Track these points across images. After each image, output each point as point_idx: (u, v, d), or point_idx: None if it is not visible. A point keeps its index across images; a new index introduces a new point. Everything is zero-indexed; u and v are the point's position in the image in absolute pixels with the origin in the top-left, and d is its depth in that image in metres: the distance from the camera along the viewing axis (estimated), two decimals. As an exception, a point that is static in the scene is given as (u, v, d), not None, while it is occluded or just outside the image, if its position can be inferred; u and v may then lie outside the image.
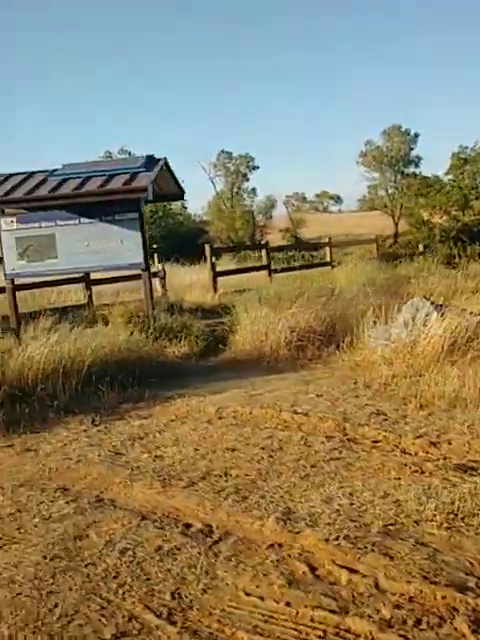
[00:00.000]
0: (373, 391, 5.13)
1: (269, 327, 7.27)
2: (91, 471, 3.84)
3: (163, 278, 12.14)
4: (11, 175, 8.15)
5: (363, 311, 7.61)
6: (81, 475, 3.80)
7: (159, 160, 7.86)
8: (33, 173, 8.14)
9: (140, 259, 7.98)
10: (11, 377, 5.62)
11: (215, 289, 12.77)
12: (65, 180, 7.69)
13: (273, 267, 13.67)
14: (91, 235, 8.00)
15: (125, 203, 7.79)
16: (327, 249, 14.71)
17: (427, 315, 6.21)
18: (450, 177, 23.60)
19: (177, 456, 4.00)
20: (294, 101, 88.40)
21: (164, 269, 12.28)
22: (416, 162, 41.94)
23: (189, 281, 14.65)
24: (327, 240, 14.85)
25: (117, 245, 7.97)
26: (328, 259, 14.49)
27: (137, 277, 12.03)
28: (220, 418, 4.75)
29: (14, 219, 8.11)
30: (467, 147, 28.05)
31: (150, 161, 7.83)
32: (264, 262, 13.68)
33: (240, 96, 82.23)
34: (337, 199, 76.13)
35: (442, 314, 6.16)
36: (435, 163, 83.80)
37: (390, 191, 42.40)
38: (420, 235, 23.40)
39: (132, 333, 6.94)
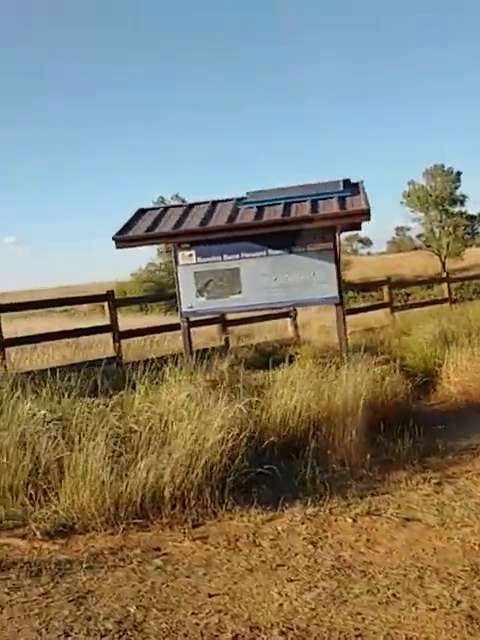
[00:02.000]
0: None
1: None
2: None
3: (294, 318, 11.35)
4: (192, 205, 7.49)
5: None
6: None
7: (357, 183, 7.17)
8: (215, 202, 7.47)
9: (335, 293, 7.18)
10: (276, 428, 4.79)
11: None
12: (261, 208, 7.00)
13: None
14: (279, 267, 7.25)
15: (318, 232, 7.08)
16: (444, 285, 13.92)
17: None
18: None
19: None
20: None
21: (295, 309, 11.48)
22: (461, 201, 41.60)
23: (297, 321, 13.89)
24: (445, 276, 14.08)
25: (309, 278, 7.21)
26: (446, 295, 13.68)
27: (269, 317, 11.40)
28: None
29: (192, 253, 7.40)
30: None
31: (348, 184, 7.14)
32: (385, 299, 12.87)
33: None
34: (366, 242, 76.21)
35: None
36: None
37: (436, 231, 41.99)
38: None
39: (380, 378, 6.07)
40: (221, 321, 10.46)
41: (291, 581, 2.85)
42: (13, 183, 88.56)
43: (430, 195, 40.77)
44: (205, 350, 9.87)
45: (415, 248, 55.67)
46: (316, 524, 3.44)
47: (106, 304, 9.39)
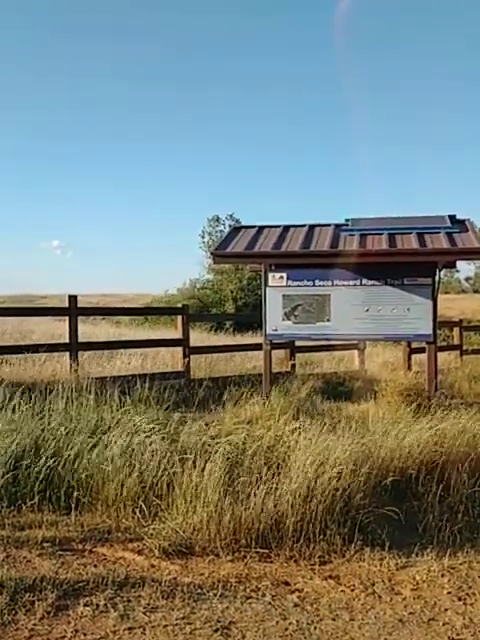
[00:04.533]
0: None
1: None
2: None
3: (362, 351, 11.11)
4: (287, 227, 7.39)
5: None
6: None
7: (464, 220, 6.98)
8: (312, 226, 7.35)
9: (429, 331, 6.96)
10: (386, 466, 4.56)
11: (409, 367, 11.63)
12: (364, 236, 6.86)
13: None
14: (372, 299, 7.07)
15: (418, 266, 6.89)
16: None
17: None
18: None
19: None
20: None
21: (365, 342, 11.24)
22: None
23: (353, 355, 13.61)
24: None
25: (403, 313, 7.00)
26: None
27: (338, 348, 11.16)
28: None
29: (284, 275, 7.29)
30: None
31: (455, 220, 6.95)
32: (456, 341, 12.54)
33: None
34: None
35: None
36: None
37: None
38: None
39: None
40: (290, 346, 10.28)
41: (453, 641, 2.62)
42: (62, 190, 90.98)
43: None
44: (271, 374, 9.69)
45: (462, 291, 55.14)
46: (458, 578, 3.20)
47: (180, 318, 9.32)
